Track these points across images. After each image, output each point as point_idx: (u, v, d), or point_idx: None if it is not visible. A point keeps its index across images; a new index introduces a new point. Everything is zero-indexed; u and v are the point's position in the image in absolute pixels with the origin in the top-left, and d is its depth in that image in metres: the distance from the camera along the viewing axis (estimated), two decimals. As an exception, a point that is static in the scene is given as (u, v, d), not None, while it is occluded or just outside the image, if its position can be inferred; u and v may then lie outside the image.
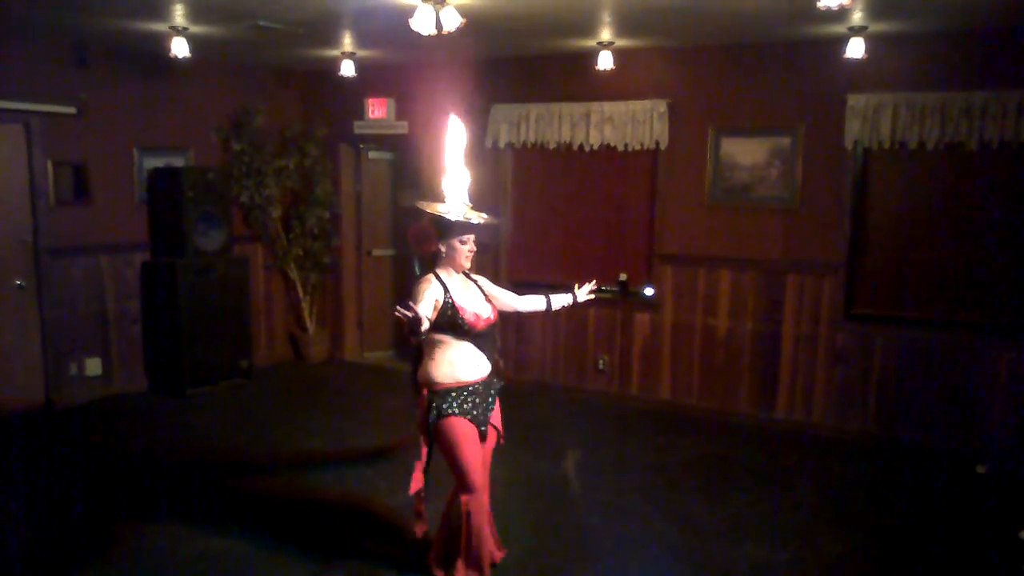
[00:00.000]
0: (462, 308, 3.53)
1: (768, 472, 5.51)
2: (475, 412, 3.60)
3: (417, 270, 3.69)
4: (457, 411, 3.54)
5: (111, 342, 7.00)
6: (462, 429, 3.55)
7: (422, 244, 3.66)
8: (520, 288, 7.42)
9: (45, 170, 6.41)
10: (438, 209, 3.58)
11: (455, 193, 3.63)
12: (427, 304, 3.43)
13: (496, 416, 3.80)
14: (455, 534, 3.64)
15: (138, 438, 6.08)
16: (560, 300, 4.10)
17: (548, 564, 4.17)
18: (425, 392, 3.59)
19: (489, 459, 3.85)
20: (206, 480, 5.26)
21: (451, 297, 3.53)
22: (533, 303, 4.05)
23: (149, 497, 5.00)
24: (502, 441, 3.87)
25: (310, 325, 8.40)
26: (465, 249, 3.61)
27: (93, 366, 6.88)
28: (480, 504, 3.61)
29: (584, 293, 4.15)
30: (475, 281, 3.77)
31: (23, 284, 6.38)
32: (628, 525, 4.61)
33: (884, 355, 6.06)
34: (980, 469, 5.49)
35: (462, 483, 3.58)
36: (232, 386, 7.32)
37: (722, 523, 4.67)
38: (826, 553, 4.34)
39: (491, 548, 3.85)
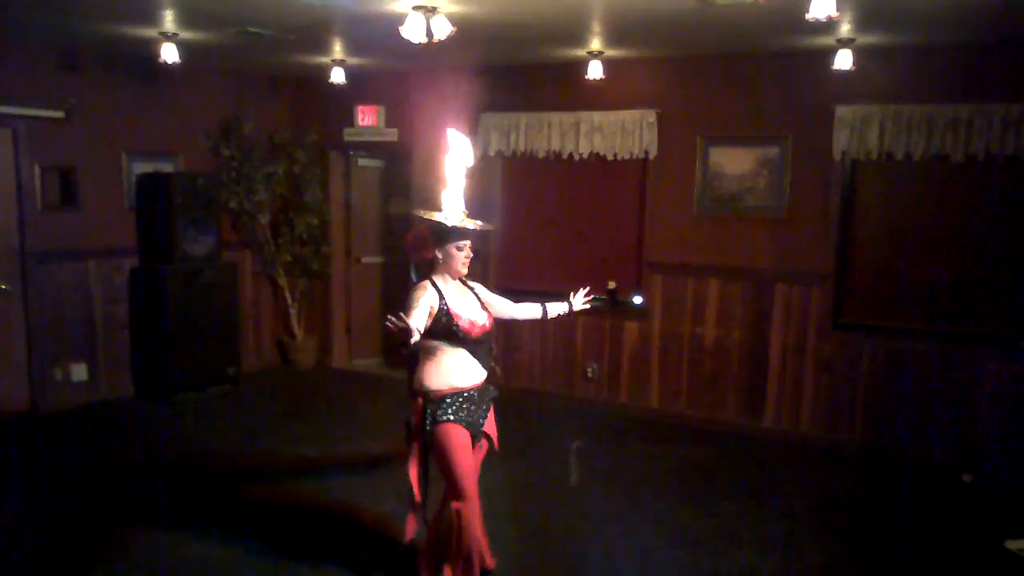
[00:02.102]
0: (457, 315, 3.53)
1: (755, 481, 5.52)
2: (470, 419, 3.60)
3: (414, 277, 3.69)
4: (452, 418, 3.54)
5: (98, 347, 6.95)
6: (457, 436, 3.54)
7: (419, 250, 3.66)
8: (509, 295, 7.45)
9: (32, 174, 6.37)
10: (434, 216, 3.59)
11: (451, 200, 3.63)
12: (421, 311, 3.43)
13: (490, 424, 3.78)
14: (445, 541, 3.63)
15: (124, 444, 6.04)
16: (556, 308, 4.11)
17: (537, 572, 4.16)
18: (420, 399, 3.59)
19: (479, 467, 3.85)
20: (193, 486, 5.22)
21: (446, 304, 3.53)
22: (529, 311, 4.06)
23: (135, 504, 4.96)
24: (496, 447, 3.86)
25: (298, 332, 8.38)
26: (461, 255, 3.61)
27: (79, 372, 6.83)
28: (472, 511, 3.60)
29: (579, 302, 4.15)
30: (471, 288, 3.78)
31: (8, 288, 6.34)
32: (616, 533, 4.61)
33: (871, 365, 6.10)
34: (966, 478, 5.52)
35: (455, 490, 3.57)
36: (219, 392, 7.28)
37: (709, 531, 4.68)
38: (813, 562, 4.35)
39: (482, 556, 3.83)
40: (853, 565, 4.35)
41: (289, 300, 8.29)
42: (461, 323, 3.53)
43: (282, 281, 8.21)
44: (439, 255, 3.60)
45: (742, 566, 4.27)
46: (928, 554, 4.47)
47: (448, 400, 3.55)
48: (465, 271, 3.67)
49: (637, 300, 6.91)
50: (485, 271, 7.39)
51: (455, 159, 3.65)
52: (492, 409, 3.80)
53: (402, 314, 3.20)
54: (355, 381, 8.09)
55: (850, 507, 5.13)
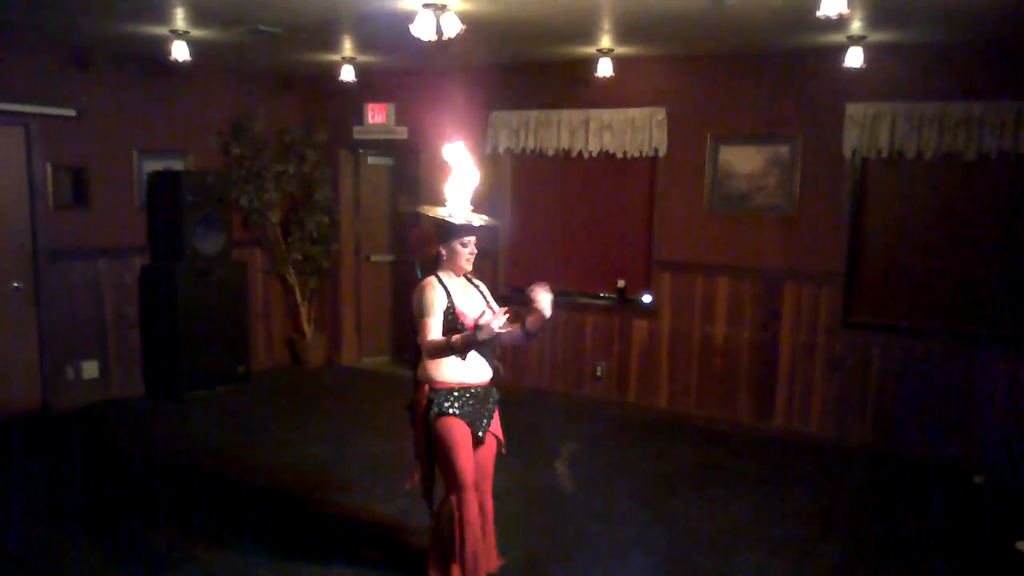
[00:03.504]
0: (463, 313, 3.54)
1: (765, 480, 5.51)
2: (472, 415, 3.60)
3: (418, 273, 3.70)
4: (457, 412, 3.55)
5: (109, 345, 6.99)
6: (459, 430, 3.56)
7: (423, 247, 3.67)
8: (518, 294, 7.44)
9: (44, 173, 6.41)
10: (439, 212, 3.59)
11: (457, 197, 3.63)
12: (439, 318, 3.48)
13: (496, 426, 3.78)
14: (448, 537, 3.63)
15: (135, 442, 6.07)
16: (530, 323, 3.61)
17: (546, 571, 4.15)
18: (425, 390, 3.59)
19: (491, 468, 3.84)
20: (203, 485, 5.25)
21: (452, 301, 3.54)
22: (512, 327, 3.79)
23: (145, 501, 4.98)
24: (503, 451, 3.86)
25: (308, 330, 8.40)
26: (466, 252, 3.61)
27: (90, 369, 6.87)
28: (470, 502, 3.60)
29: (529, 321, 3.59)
30: (476, 286, 3.77)
31: (21, 287, 6.37)
32: (626, 532, 4.61)
33: (882, 364, 6.07)
34: (978, 479, 5.49)
35: (452, 481, 3.59)
36: (229, 390, 7.31)
37: (719, 531, 4.66)
38: (823, 562, 4.33)
39: (488, 552, 3.83)
40: (863, 565, 4.32)
41: (299, 298, 8.31)
42: (466, 321, 3.53)
43: (292, 279, 8.23)
44: (443, 251, 3.60)
45: (751, 566, 4.26)
46: (939, 555, 4.44)
47: (456, 393, 3.56)
48: (469, 267, 3.66)
49: (646, 299, 6.90)
50: (494, 269, 7.40)
51: (458, 167, 3.64)
52: (497, 411, 3.79)
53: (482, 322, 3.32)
54: (364, 379, 8.10)
55: (860, 507, 5.10)
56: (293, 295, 8.33)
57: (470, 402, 3.60)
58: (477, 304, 3.66)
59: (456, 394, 3.57)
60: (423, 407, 3.60)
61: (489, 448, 3.76)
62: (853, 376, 6.17)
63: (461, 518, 3.57)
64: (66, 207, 6.57)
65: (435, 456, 3.64)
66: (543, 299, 3.40)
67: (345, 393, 7.58)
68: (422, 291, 3.54)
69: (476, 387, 3.63)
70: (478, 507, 3.69)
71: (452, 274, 3.64)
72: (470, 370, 3.59)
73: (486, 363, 3.66)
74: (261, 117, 7.77)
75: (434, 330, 3.46)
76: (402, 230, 8.40)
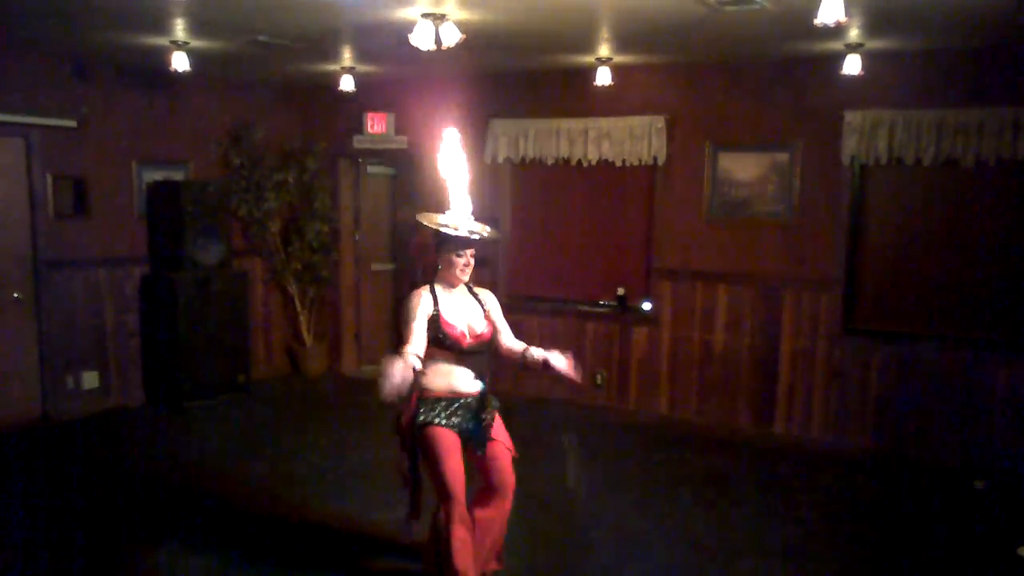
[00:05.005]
0: (449, 324, 3.52)
1: (766, 487, 5.50)
2: (461, 425, 3.58)
3: (419, 278, 3.70)
4: (444, 422, 3.53)
5: (109, 355, 6.98)
6: (446, 439, 3.53)
7: (422, 256, 3.68)
8: (518, 303, 7.44)
9: (45, 183, 6.42)
10: (436, 222, 3.59)
11: (455, 206, 3.63)
12: (420, 323, 3.47)
13: (502, 433, 3.73)
14: (442, 548, 3.60)
15: (135, 452, 6.06)
16: (536, 354, 3.68)
17: (546, 579, 4.16)
18: (415, 397, 3.58)
19: (510, 477, 3.68)
20: (203, 495, 5.24)
21: (439, 310, 3.53)
22: (514, 346, 3.78)
23: (145, 512, 4.97)
24: (515, 455, 3.76)
25: (308, 339, 8.39)
26: (460, 263, 3.60)
27: (90, 379, 6.86)
28: (458, 513, 3.52)
29: (560, 363, 3.64)
30: (477, 295, 3.75)
31: (20, 297, 6.37)
32: (625, 540, 4.60)
33: (882, 370, 6.07)
34: (978, 485, 5.48)
35: (441, 491, 3.54)
36: (230, 400, 7.30)
37: (719, 538, 4.66)
38: (824, 568, 4.33)
39: (488, 556, 3.79)
40: (864, 572, 4.32)
41: (299, 307, 8.31)
42: (452, 332, 3.52)
43: (292, 288, 8.23)
44: (440, 262, 3.60)
45: (752, 573, 4.25)
46: (940, 561, 4.44)
47: (443, 403, 3.55)
48: (465, 278, 3.65)
49: (646, 306, 6.90)
50: (494, 278, 7.39)
51: (451, 160, 3.64)
52: (501, 419, 3.76)
53: (393, 373, 3.15)
54: (364, 387, 8.07)
55: (861, 514, 5.10)
56: (293, 304, 8.33)
57: (458, 412, 3.57)
58: (471, 314, 3.64)
59: (444, 403, 3.55)
60: (410, 415, 3.59)
61: (503, 458, 3.68)
62: (853, 382, 6.16)
63: (448, 530, 3.50)
64: (66, 217, 6.57)
65: (423, 465, 3.61)
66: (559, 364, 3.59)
67: (345, 402, 7.58)
68: (408, 299, 3.56)
69: (467, 396, 3.60)
70: (505, 521, 3.67)
71: (448, 284, 3.63)
72: (459, 381, 3.58)
73: (474, 375, 3.63)
74: (261, 127, 7.78)
75: (415, 334, 3.44)
76: (402, 239, 8.41)
